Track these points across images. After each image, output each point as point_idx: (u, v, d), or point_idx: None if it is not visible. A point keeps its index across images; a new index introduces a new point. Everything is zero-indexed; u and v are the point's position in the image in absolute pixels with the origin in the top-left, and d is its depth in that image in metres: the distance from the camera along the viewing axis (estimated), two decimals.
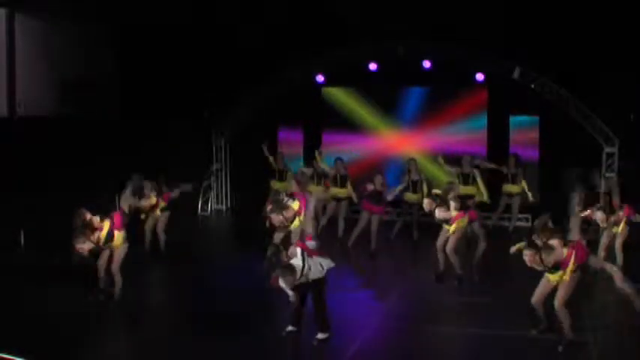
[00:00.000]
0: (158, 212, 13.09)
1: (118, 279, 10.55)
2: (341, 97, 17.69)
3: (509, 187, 15.35)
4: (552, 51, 15.22)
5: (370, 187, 13.35)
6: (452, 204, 11.33)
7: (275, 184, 15.54)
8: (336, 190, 14.65)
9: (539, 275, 9.07)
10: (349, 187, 14.59)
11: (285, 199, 11.43)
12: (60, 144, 15.29)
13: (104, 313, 10.33)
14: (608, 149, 15.62)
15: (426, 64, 16.23)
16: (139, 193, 12.61)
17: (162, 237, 13.24)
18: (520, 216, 15.76)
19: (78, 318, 10.26)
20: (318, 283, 8.92)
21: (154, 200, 12.95)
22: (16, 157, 14.34)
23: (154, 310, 10.63)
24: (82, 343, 9.30)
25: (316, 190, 13.99)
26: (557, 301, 8.77)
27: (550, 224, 9.25)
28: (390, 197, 13.67)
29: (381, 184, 13.31)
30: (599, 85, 15.26)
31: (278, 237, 11.27)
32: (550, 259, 8.61)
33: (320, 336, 8.99)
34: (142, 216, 12.98)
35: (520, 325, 9.39)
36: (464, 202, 11.89)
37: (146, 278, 11.93)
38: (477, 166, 15.01)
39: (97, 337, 9.57)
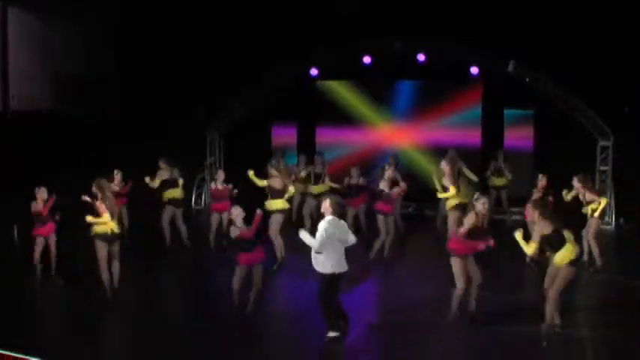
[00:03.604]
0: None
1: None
2: (335, 90, 17.68)
3: (495, 181, 15.29)
4: (547, 44, 15.18)
5: (347, 180, 13.36)
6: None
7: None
8: (312, 187, 14.58)
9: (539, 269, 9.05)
10: (327, 182, 14.50)
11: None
12: (54, 140, 15.34)
13: (99, 308, 10.32)
14: (602, 143, 15.58)
15: (421, 57, 16.20)
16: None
17: (166, 231, 13.38)
18: (515, 210, 15.70)
19: (72, 313, 10.31)
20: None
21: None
22: (9, 153, 14.36)
23: (148, 305, 10.60)
24: (78, 337, 9.32)
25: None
26: (551, 292, 8.76)
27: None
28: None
29: (358, 175, 13.27)
30: (594, 78, 15.21)
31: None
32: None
33: (330, 334, 8.89)
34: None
35: (520, 320, 9.35)
36: None
37: (137, 272, 11.90)
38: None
39: (93, 332, 9.59)
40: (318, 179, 14.57)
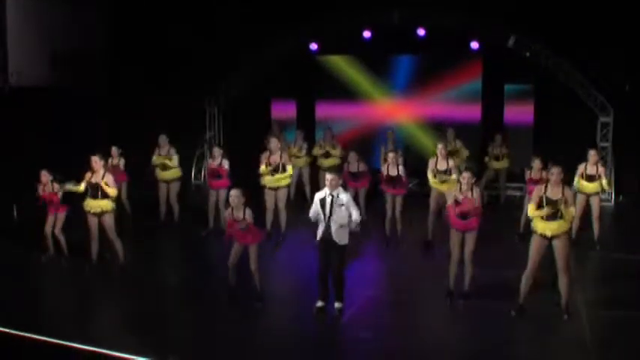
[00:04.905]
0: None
1: (119, 245, 10.72)
2: (335, 65, 17.59)
3: (495, 164, 15.05)
4: (547, 19, 15.11)
5: (345, 167, 13.38)
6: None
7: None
8: (322, 161, 14.63)
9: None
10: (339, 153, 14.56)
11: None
12: (53, 115, 15.29)
13: (99, 284, 10.38)
14: (602, 119, 15.55)
15: (421, 31, 16.11)
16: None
17: (175, 207, 13.38)
18: (514, 185, 15.71)
19: (72, 289, 10.35)
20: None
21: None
22: (8, 129, 14.31)
23: (148, 280, 10.65)
24: (78, 313, 9.37)
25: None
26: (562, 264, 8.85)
27: None
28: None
29: (356, 161, 13.25)
30: (595, 54, 15.14)
31: None
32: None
33: (337, 305, 9.03)
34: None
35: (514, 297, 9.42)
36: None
37: (140, 248, 11.93)
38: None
39: (94, 307, 9.66)
40: (329, 153, 14.63)
